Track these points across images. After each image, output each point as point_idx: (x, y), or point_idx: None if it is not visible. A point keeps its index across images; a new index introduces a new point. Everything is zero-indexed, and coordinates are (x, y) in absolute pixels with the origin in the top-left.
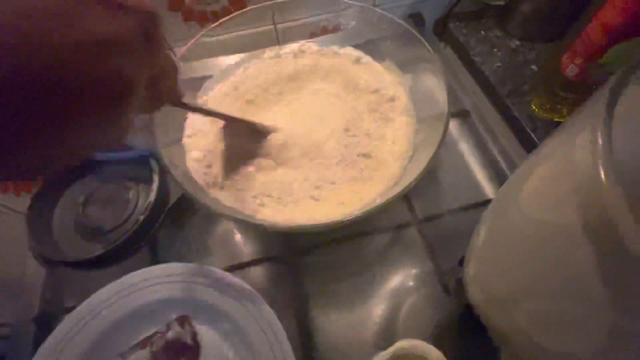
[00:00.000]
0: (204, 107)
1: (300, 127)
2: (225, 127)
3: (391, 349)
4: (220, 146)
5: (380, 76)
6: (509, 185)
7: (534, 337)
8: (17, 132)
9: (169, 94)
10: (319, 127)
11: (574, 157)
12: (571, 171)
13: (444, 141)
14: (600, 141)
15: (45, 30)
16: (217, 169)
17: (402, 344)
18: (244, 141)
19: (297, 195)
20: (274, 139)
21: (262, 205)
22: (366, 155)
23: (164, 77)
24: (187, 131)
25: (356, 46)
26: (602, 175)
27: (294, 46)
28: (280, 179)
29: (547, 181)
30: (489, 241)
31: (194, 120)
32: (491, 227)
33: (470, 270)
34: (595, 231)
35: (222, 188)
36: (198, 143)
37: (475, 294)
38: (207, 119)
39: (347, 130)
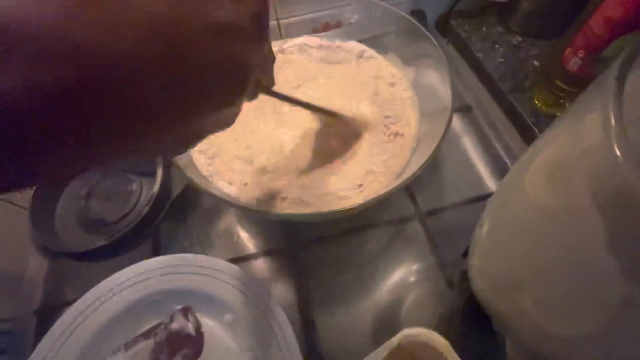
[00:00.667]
0: (293, 97)
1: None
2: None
3: (397, 337)
4: (227, 135)
5: (384, 69)
6: (512, 174)
7: (539, 322)
8: (153, 108)
9: (268, 82)
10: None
11: (583, 137)
12: (581, 151)
13: (447, 135)
14: (613, 118)
15: (182, 15)
16: (221, 159)
17: (407, 331)
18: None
19: (297, 188)
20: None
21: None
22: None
23: (266, 65)
24: None
25: (359, 41)
26: (617, 152)
27: (297, 40)
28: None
29: (554, 164)
30: (494, 230)
31: None
32: (495, 216)
33: (475, 261)
34: (610, 206)
35: (226, 179)
36: None
37: (480, 284)
38: None
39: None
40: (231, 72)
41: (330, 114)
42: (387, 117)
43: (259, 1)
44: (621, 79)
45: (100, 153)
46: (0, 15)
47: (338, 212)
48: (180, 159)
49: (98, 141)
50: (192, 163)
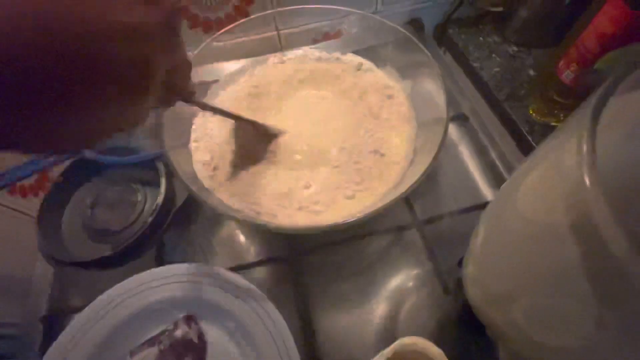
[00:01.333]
0: (214, 106)
1: (306, 131)
2: (235, 128)
3: (393, 346)
4: (229, 147)
5: (381, 81)
6: (506, 187)
7: (529, 333)
8: (43, 106)
9: (183, 88)
10: (323, 131)
11: (563, 161)
12: (561, 175)
13: (444, 145)
14: (585, 148)
15: (81, 15)
16: (223, 171)
17: (403, 340)
18: (253, 143)
19: (300, 198)
20: (281, 141)
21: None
22: (367, 160)
23: (180, 71)
24: (194, 135)
25: (357, 52)
26: (586, 180)
27: (297, 52)
28: (284, 182)
29: (540, 183)
30: (487, 241)
31: (199, 125)
32: (489, 227)
33: (469, 270)
34: (581, 231)
35: (228, 190)
36: (204, 147)
37: (474, 293)
38: (215, 123)
39: (349, 135)
40: (132, 74)
41: (248, 122)
42: (359, 160)
43: (171, 9)
44: (595, 114)
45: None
46: None
47: (340, 225)
48: (184, 172)
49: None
50: (194, 175)
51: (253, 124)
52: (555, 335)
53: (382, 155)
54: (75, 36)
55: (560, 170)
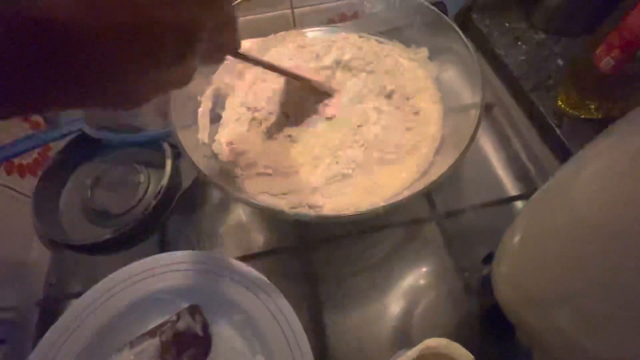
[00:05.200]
0: (262, 59)
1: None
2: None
3: (418, 347)
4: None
5: (407, 64)
6: (553, 185)
7: (577, 339)
8: (98, 65)
9: (230, 45)
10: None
11: None
12: None
13: (474, 138)
14: None
15: None
16: (237, 155)
17: (429, 342)
18: (302, 102)
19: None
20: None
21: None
22: (394, 145)
23: (226, 27)
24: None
25: (380, 33)
26: None
27: (315, 33)
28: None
29: (610, 180)
30: (529, 239)
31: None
32: (531, 225)
33: (503, 269)
34: None
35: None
36: (223, 131)
37: (506, 294)
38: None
39: (372, 118)
40: (178, 35)
41: (300, 79)
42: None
43: None
44: None
45: (72, 93)
46: None
47: (363, 214)
48: (194, 152)
49: (70, 81)
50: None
51: (306, 81)
52: (610, 344)
53: (408, 140)
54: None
55: None
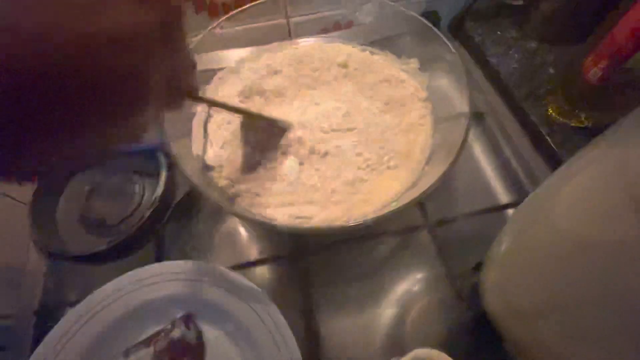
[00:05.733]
0: (222, 102)
1: (317, 124)
2: (242, 123)
3: (408, 357)
4: (237, 143)
5: (397, 74)
6: (538, 197)
7: (560, 351)
8: (29, 127)
9: (188, 90)
10: (337, 124)
11: (630, 165)
12: (627, 182)
13: (464, 147)
14: None
15: (65, 20)
16: (228, 169)
17: (418, 352)
18: (262, 137)
19: (309, 193)
20: (292, 135)
21: (272, 204)
22: (382, 155)
23: (184, 72)
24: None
25: (372, 43)
26: None
27: (309, 41)
28: (293, 177)
29: (591, 194)
30: (514, 250)
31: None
32: (517, 236)
33: (490, 277)
34: None
35: (234, 188)
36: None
37: (493, 302)
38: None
39: (364, 128)
40: (126, 84)
41: (256, 117)
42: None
43: (169, 8)
44: None
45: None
46: None
47: (352, 226)
48: (187, 163)
49: None
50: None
51: (262, 118)
52: (594, 356)
53: (398, 151)
54: (56, 48)
55: (625, 176)
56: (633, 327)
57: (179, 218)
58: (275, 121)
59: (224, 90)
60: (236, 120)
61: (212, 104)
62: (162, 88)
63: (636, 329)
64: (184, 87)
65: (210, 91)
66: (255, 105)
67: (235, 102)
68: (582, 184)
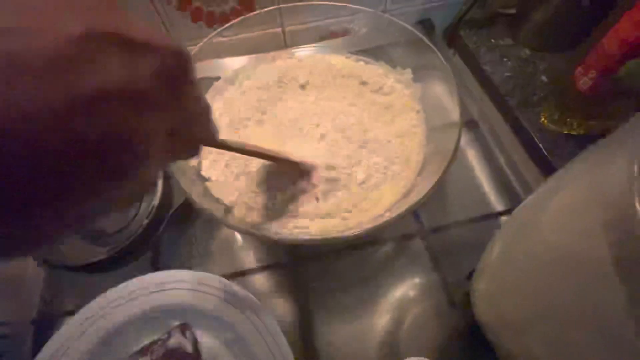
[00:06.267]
0: (243, 146)
1: (328, 151)
2: (263, 166)
3: None
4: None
5: (390, 84)
6: (528, 206)
7: None
8: (22, 202)
9: (202, 137)
10: (342, 145)
11: (605, 188)
12: (602, 203)
13: (456, 157)
14: (637, 170)
15: (48, 83)
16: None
17: None
18: (283, 179)
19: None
20: (315, 178)
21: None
22: (378, 169)
23: (195, 121)
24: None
25: (366, 52)
26: (638, 208)
27: (304, 51)
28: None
29: (573, 210)
30: (504, 260)
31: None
32: (507, 246)
33: (481, 286)
34: (630, 267)
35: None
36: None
37: (484, 311)
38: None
39: (364, 143)
40: (123, 145)
41: (278, 160)
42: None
43: (171, 55)
44: None
45: None
46: None
47: (347, 237)
48: (183, 174)
49: None
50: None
51: (287, 162)
52: None
53: (391, 162)
54: (35, 116)
55: (600, 197)
56: (613, 343)
57: (176, 226)
58: (299, 164)
59: (224, 99)
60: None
61: (232, 149)
62: (169, 141)
63: (617, 345)
64: (197, 135)
65: (210, 98)
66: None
67: (234, 111)
68: (567, 198)
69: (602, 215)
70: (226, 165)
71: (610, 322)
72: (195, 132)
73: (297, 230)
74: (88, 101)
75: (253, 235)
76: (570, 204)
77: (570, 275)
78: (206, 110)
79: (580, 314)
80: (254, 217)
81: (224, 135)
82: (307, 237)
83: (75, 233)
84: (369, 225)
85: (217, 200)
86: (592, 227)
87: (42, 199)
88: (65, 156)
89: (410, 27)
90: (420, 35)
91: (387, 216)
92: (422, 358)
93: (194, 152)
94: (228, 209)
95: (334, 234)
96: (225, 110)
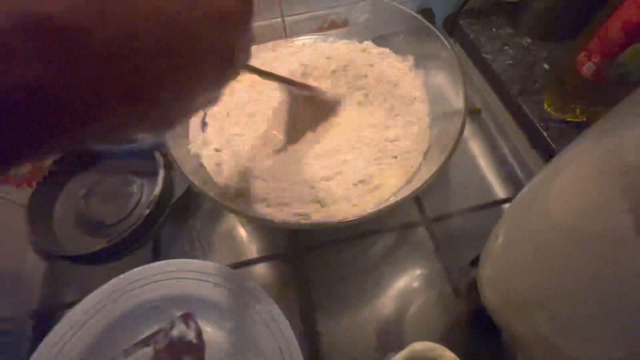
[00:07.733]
0: (272, 72)
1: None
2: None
3: (404, 352)
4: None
5: (394, 71)
6: (532, 189)
7: (556, 343)
8: (148, 89)
9: (247, 60)
10: (342, 132)
11: (622, 153)
12: (619, 168)
13: (459, 142)
14: None
15: (187, 6)
16: (226, 168)
17: (415, 346)
18: (312, 111)
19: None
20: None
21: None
22: (382, 157)
23: (249, 46)
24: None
25: (367, 40)
26: None
27: (304, 40)
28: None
29: (582, 185)
30: (510, 243)
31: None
32: (512, 229)
33: (487, 272)
34: None
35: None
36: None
37: (491, 297)
38: (218, 115)
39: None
40: (225, 57)
41: (305, 87)
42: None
43: None
44: None
45: (110, 118)
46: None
47: (350, 221)
48: (185, 162)
49: (109, 106)
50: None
51: (315, 90)
52: (588, 347)
53: (395, 147)
54: (167, 27)
55: (617, 161)
56: (626, 317)
57: (177, 217)
58: (326, 94)
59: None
60: (234, 112)
61: (262, 74)
62: (240, 59)
63: (629, 318)
64: (245, 59)
65: None
66: None
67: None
68: (574, 174)
69: (619, 180)
70: (227, 152)
71: (625, 295)
72: (247, 55)
73: (299, 217)
74: (215, 17)
75: (255, 219)
76: (578, 179)
77: (581, 251)
78: (254, 39)
79: (591, 290)
80: (257, 203)
81: (219, 121)
82: (309, 222)
83: (178, 125)
84: (371, 211)
85: (219, 187)
86: (605, 197)
87: (173, 89)
88: (193, 56)
89: (413, 13)
90: (424, 20)
91: (392, 200)
92: (427, 342)
93: (237, 73)
94: (230, 195)
95: (337, 219)
96: (224, 99)
